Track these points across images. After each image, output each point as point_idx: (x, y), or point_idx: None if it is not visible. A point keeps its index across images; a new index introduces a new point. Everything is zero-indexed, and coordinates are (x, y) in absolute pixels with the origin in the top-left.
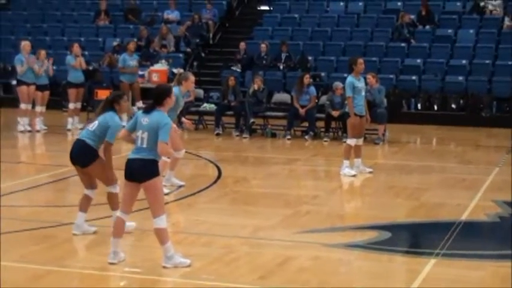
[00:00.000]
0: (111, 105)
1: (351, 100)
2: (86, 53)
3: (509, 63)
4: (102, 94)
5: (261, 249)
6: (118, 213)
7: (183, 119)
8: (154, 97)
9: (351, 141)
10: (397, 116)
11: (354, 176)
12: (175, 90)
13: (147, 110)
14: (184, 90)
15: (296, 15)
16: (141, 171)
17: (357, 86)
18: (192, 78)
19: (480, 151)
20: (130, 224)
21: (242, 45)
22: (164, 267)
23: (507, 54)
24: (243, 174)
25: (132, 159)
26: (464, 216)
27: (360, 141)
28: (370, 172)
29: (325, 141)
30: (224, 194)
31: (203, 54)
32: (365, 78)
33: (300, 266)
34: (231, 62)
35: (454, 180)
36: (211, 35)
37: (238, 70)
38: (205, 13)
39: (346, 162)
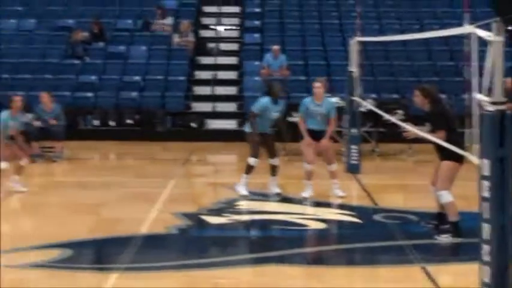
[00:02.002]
0: None
1: None
2: None
3: (181, 78)
4: None
5: None
6: None
7: None
8: None
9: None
10: (74, 133)
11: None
12: None
13: None
14: None
15: None
16: None
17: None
18: None
19: (156, 165)
20: None
21: None
22: None
23: (178, 69)
24: None
25: None
26: (143, 230)
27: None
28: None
29: None
30: None
31: None
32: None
33: None
34: None
35: (132, 194)
36: None
37: None
38: None
39: None
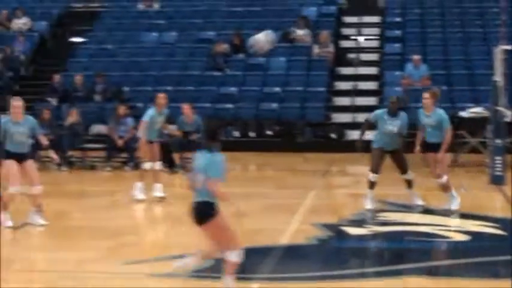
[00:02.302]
0: None
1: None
2: None
3: (320, 89)
4: None
5: (85, 283)
6: None
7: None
8: None
9: (147, 165)
10: None
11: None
12: None
13: None
14: None
15: (110, 47)
16: None
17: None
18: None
19: (297, 176)
20: None
21: (57, 77)
22: None
23: (317, 80)
24: (63, 207)
25: None
26: (284, 240)
27: (157, 166)
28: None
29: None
30: (44, 228)
31: (17, 88)
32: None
33: None
34: (46, 94)
35: (273, 205)
36: (23, 68)
37: (54, 103)
38: (17, 45)
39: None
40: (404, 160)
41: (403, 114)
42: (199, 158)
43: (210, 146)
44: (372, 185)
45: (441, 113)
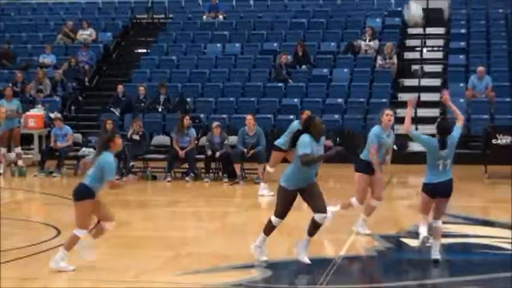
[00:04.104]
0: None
1: None
2: None
3: (383, 100)
4: None
5: None
6: None
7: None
8: None
9: None
10: None
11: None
12: None
13: None
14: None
15: (174, 57)
16: None
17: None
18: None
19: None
20: None
21: (120, 88)
22: None
23: (381, 92)
24: (125, 217)
25: None
26: (342, 251)
27: None
28: None
29: (205, 182)
30: (106, 238)
31: (81, 98)
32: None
33: None
34: (110, 105)
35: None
36: (88, 78)
37: (117, 113)
38: (82, 56)
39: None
40: None
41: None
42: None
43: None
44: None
45: None
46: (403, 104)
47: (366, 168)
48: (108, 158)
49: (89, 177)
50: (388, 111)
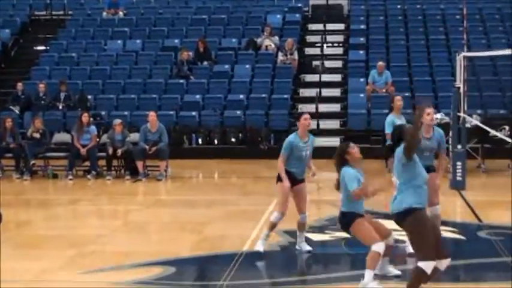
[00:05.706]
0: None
1: None
2: None
3: (285, 96)
4: None
5: None
6: None
7: None
8: None
9: None
10: (178, 152)
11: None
12: None
13: None
14: None
15: (74, 54)
16: None
17: None
18: None
19: (260, 182)
20: None
21: (19, 85)
22: None
23: (282, 88)
24: (26, 217)
25: None
26: (246, 247)
27: None
28: None
29: (107, 179)
30: (6, 238)
31: None
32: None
33: None
34: (9, 103)
35: (236, 212)
36: None
37: (17, 111)
38: None
39: None
40: None
41: None
42: None
43: None
44: None
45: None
46: (305, 100)
47: None
48: None
49: None
50: (429, 110)
